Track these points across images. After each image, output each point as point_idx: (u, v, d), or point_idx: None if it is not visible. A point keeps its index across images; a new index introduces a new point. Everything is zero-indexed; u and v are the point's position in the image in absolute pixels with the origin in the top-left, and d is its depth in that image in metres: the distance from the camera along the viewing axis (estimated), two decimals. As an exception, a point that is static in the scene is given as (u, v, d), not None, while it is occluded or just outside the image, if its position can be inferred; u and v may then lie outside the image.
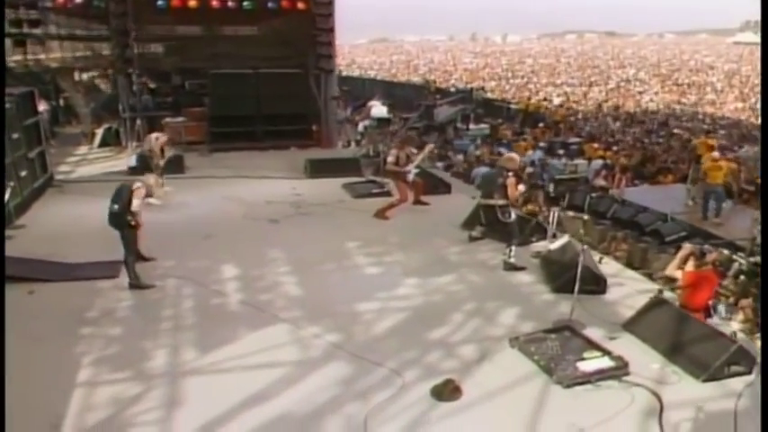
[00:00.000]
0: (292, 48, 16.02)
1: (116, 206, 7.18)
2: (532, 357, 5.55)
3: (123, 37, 14.62)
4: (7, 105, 9.96)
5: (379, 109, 16.33)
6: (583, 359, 5.45)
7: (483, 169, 15.30)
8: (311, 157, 13.73)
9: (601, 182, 15.88)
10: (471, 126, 24.56)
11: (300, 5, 15.66)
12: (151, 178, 7.68)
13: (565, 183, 15.88)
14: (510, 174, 8.01)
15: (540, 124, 25.08)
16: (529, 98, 35.70)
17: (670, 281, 6.90)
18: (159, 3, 14.76)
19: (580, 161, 18.29)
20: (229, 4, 15.19)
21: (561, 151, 19.93)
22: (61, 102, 19.55)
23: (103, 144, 15.86)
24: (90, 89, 18.23)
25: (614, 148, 20.39)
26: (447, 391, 5.03)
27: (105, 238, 8.05)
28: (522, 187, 8.40)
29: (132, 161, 12.63)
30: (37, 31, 15.77)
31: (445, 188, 11.70)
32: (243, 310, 6.69)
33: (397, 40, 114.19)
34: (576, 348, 5.64)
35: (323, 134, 16.17)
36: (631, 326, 6.15)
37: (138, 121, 15.47)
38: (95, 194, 10.85)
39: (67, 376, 5.32)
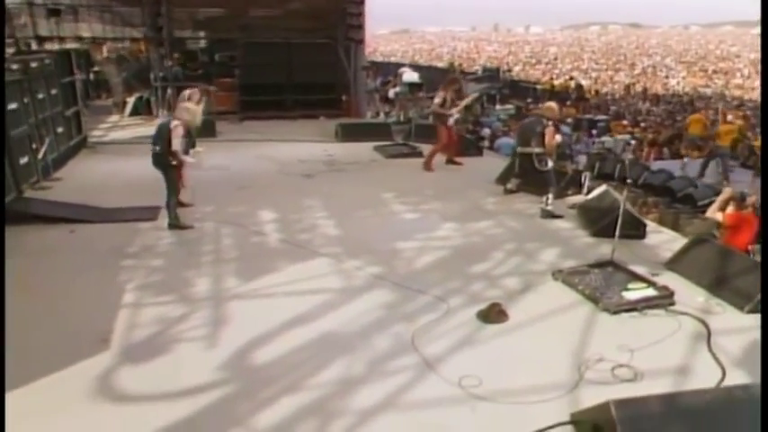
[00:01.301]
0: (322, 19, 16.01)
1: (157, 147, 7.21)
2: (577, 288, 5.48)
3: (155, 6, 14.69)
4: (47, 62, 10.10)
5: (410, 74, 16.26)
6: (627, 289, 5.36)
7: (506, 139, 15.19)
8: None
9: (629, 155, 15.67)
10: (497, 107, 24.34)
11: (331, -24, 15.61)
12: (191, 105, 7.65)
13: (593, 156, 15.68)
14: (549, 123, 7.92)
15: (567, 102, 24.76)
16: (553, 79, 35.26)
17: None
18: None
19: (607, 138, 18.06)
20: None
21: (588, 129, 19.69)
22: (91, 76, 19.76)
23: (134, 113, 15.99)
24: (121, 60, 18.37)
25: (642, 125, 20.08)
26: (493, 314, 4.97)
27: (140, 189, 8.23)
28: (558, 138, 8.29)
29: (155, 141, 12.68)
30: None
31: (477, 150, 11.62)
32: (282, 247, 6.69)
33: (418, 30, 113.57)
34: (621, 281, 5.55)
35: (352, 104, 16.14)
36: (674, 264, 6.04)
37: (169, 91, 15.55)
38: (128, 154, 11.10)
39: (112, 300, 5.34)
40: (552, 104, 8.56)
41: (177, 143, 7.14)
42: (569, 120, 20.24)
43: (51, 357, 4.36)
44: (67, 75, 11.40)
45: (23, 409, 3.76)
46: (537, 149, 7.82)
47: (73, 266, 6.15)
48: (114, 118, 15.96)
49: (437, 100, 10.00)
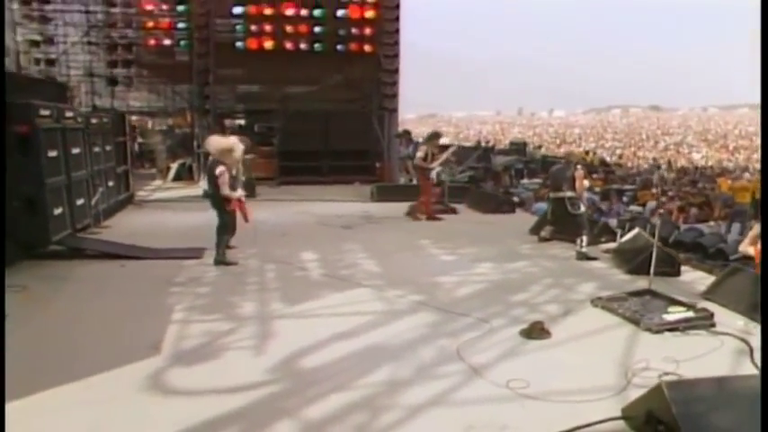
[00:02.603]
0: (357, 90, 16.80)
1: (208, 187, 7.60)
2: (617, 312, 5.51)
3: (203, 75, 15.65)
4: (104, 120, 10.81)
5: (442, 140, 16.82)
6: (668, 312, 5.37)
7: (542, 204, 15.36)
8: (376, 187, 14.11)
9: (657, 220, 15.65)
10: (525, 180, 24.64)
11: (367, 48, 16.52)
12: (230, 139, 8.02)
13: (623, 221, 15.72)
14: (579, 167, 8.16)
15: (594, 175, 24.97)
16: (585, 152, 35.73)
17: (745, 258, 6.85)
18: (237, 44, 15.83)
19: (635, 207, 18.11)
20: (302, 46, 16.13)
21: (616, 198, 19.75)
22: (136, 146, 20.77)
23: (177, 178, 16.69)
24: (167, 131, 19.37)
25: (669, 193, 20.13)
26: (536, 331, 5.02)
27: (184, 236, 8.69)
28: (587, 183, 8.51)
29: (206, 184, 13.23)
30: (128, 71, 17.05)
31: (510, 207, 11.83)
32: (325, 279, 6.87)
33: (445, 115, 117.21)
34: (660, 306, 5.56)
35: (386, 170, 16.62)
36: (710, 294, 6.06)
37: (211, 157, 16.21)
38: (172, 209, 11.60)
39: (161, 317, 5.53)
40: (578, 150, 8.80)
41: (225, 188, 7.51)
42: (597, 189, 20.39)
43: (104, 360, 4.52)
44: (121, 135, 12.10)
45: (81, 399, 3.94)
46: (569, 193, 8.01)
47: (123, 291, 6.44)
48: (158, 182, 16.66)
49: (420, 154, 10.30)
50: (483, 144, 29.60)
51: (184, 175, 16.74)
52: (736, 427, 3.10)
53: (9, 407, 3.55)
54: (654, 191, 20.16)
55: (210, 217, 7.78)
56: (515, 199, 18.77)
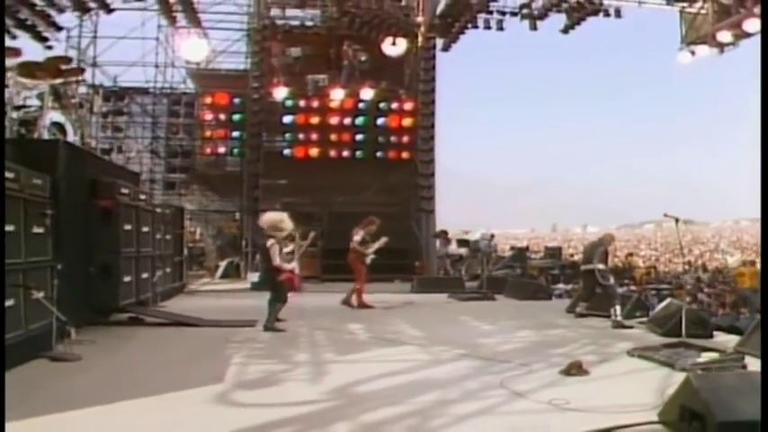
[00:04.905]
0: (396, 194, 17.76)
1: (263, 264, 8.23)
2: (652, 358, 5.76)
3: (254, 179, 16.86)
4: (167, 212, 11.78)
5: (477, 234, 17.35)
6: (701, 357, 5.61)
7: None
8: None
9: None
10: (560, 285, 24.73)
11: (405, 155, 17.67)
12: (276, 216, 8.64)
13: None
14: (610, 245, 8.59)
15: (626, 280, 24.93)
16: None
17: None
18: (285, 152, 17.15)
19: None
20: (344, 154, 17.36)
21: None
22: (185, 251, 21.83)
23: (225, 276, 17.42)
24: (218, 233, 20.44)
25: (706, 290, 20.05)
26: (574, 368, 5.30)
27: (236, 314, 9.17)
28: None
29: (255, 277, 13.93)
30: (185, 177, 18.46)
31: (546, 295, 12.12)
32: (372, 340, 7.26)
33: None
34: (693, 353, 5.80)
35: (425, 268, 17.10)
36: (742, 346, 6.22)
37: (258, 256, 17.07)
38: (222, 297, 12.26)
39: (222, 361, 5.97)
40: (611, 233, 9.23)
41: (276, 258, 8.14)
42: (634, 288, 20.40)
43: (173, 384, 4.98)
44: (179, 228, 13.04)
45: (155, 406, 4.45)
46: (599, 266, 8.39)
47: (184, 345, 6.99)
48: (206, 279, 17.41)
49: (357, 237, 10.32)
50: (518, 246, 29.91)
51: (232, 273, 17.46)
52: (758, 412, 3.36)
53: (91, 410, 4.10)
54: (688, 287, 20.08)
55: (259, 302, 8.39)
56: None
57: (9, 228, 5.57)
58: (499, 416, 4.17)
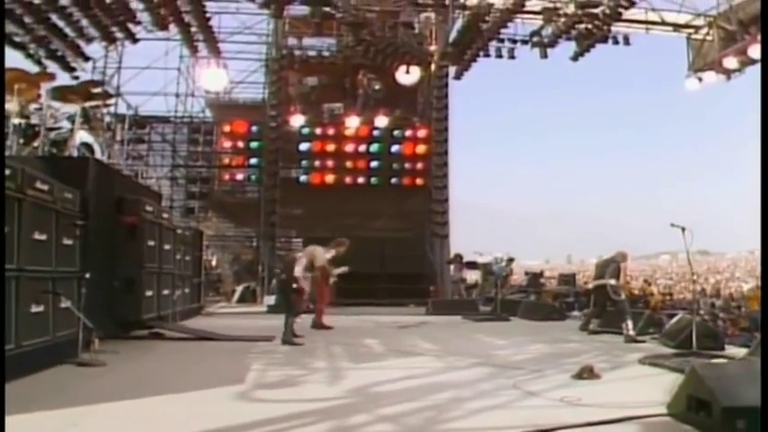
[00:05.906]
0: (410, 220, 18.00)
1: (283, 275, 8.46)
2: (663, 365, 5.86)
3: (270, 205, 17.19)
4: (187, 233, 12.08)
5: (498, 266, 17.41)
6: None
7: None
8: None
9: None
10: (575, 312, 24.60)
11: (419, 182, 17.95)
12: (318, 249, 8.92)
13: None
14: (624, 263, 8.71)
15: (640, 305, 24.76)
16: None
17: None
18: (302, 179, 17.50)
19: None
20: (359, 180, 17.68)
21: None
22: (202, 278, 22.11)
23: (241, 300, 17.63)
24: (235, 259, 20.74)
25: (721, 315, 19.91)
26: (586, 372, 5.42)
27: (252, 331, 9.30)
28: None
29: (271, 300, 14.14)
30: (203, 203, 18.85)
31: (560, 316, 12.19)
32: (388, 352, 7.42)
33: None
34: (705, 360, 5.87)
35: (439, 293, 17.20)
36: (754, 354, 6.28)
37: (274, 281, 17.29)
38: (238, 317, 12.46)
39: (243, 368, 6.13)
40: (624, 250, 9.31)
41: (299, 270, 8.37)
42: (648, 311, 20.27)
43: (197, 383, 5.21)
44: (198, 250, 13.33)
45: (181, 399, 4.65)
46: (611, 281, 8.50)
47: (204, 355, 7.18)
48: (223, 303, 17.63)
49: (327, 255, 9.89)
50: (532, 272, 29.77)
51: (248, 297, 17.68)
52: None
53: (121, 403, 4.30)
54: (701, 312, 19.98)
55: (276, 322, 8.58)
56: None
57: (42, 237, 5.86)
58: (512, 410, 4.31)
